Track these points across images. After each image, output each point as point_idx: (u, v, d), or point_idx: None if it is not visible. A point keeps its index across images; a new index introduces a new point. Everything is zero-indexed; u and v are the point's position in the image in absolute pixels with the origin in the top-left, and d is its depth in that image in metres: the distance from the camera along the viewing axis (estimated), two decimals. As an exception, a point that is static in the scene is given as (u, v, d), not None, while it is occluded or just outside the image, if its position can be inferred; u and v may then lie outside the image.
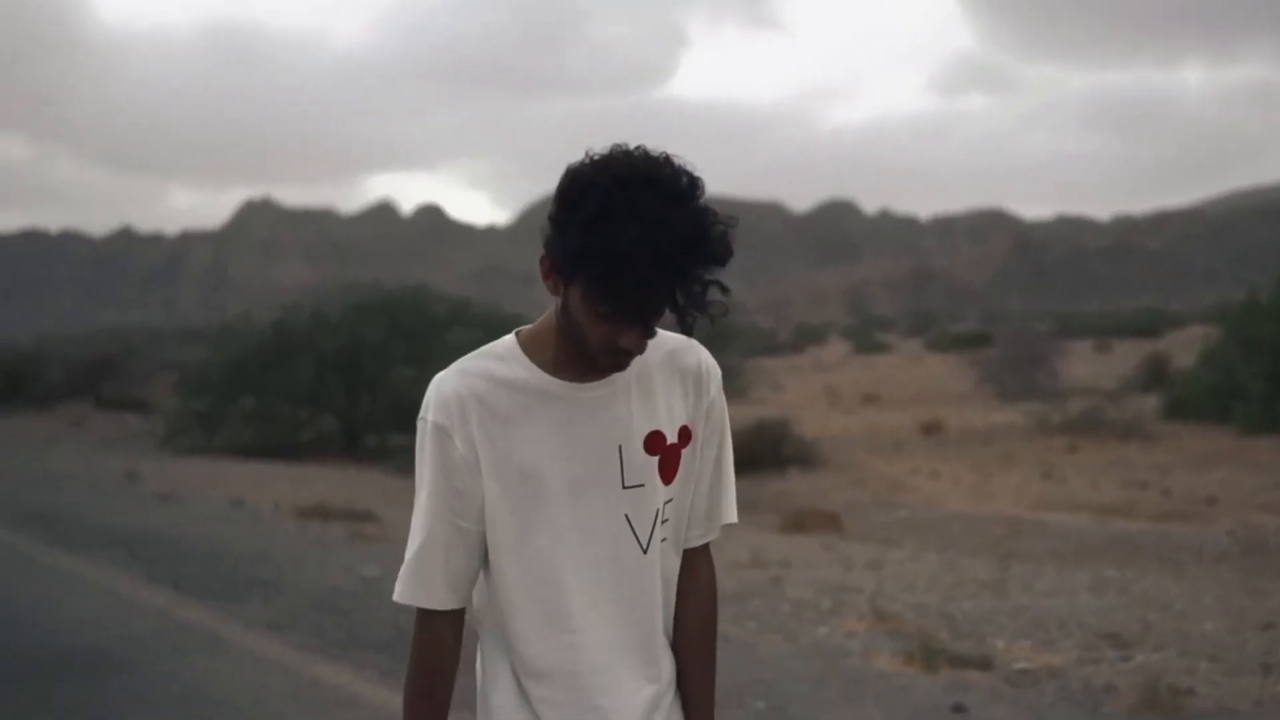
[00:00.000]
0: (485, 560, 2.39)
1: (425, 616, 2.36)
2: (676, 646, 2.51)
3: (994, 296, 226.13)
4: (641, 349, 2.24)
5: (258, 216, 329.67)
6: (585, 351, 2.25)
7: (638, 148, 2.16)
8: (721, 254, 2.13)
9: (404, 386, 25.69)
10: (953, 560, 11.62)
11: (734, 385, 19.09)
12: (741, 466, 12.07)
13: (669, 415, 2.39)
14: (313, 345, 28.43)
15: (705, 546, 2.54)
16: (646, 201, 2.08)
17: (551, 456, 2.32)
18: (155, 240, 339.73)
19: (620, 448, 2.34)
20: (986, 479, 20.69)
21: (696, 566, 2.52)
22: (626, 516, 2.36)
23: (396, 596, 2.35)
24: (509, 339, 2.38)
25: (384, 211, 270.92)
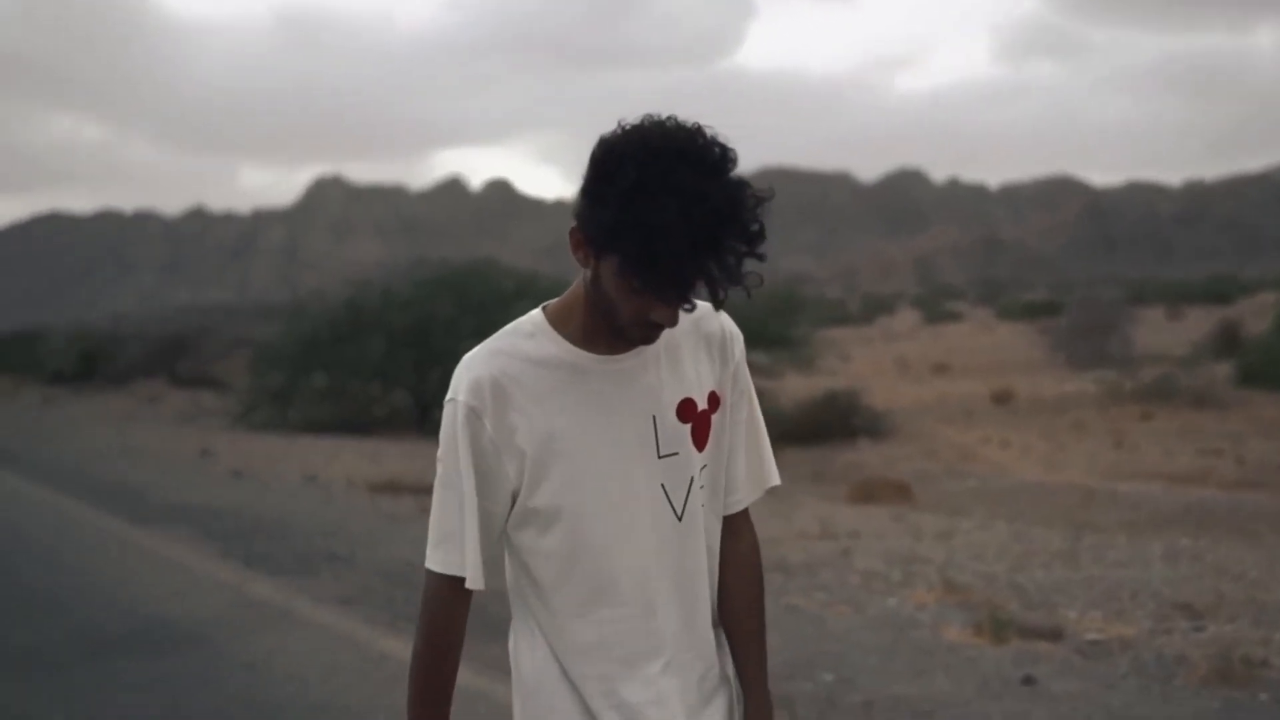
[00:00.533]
0: (510, 540, 2.38)
1: (447, 590, 2.33)
2: (723, 614, 2.51)
3: (1064, 264, 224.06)
4: (675, 322, 2.23)
5: (329, 194, 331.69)
6: (615, 324, 2.24)
7: (670, 118, 2.14)
8: (756, 227, 2.12)
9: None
10: (1023, 530, 11.53)
11: (802, 356, 19.11)
12: (810, 437, 12.16)
13: (698, 382, 2.40)
14: (383, 321, 28.57)
15: (745, 512, 2.54)
16: (682, 174, 2.06)
17: (587, 430, 2.30)
18: (228, 219, 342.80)
19: (654, 417, 2.34)
20: (1058, 448, 20.53)
21: (738, 531, 2.52)
22: (663, 486, 2.34)
23: (432, 563, 2.33)
24: (536, 314, 2.36)
25: (453, 187, 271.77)
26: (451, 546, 2.32)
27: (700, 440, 2.39)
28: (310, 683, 7.03)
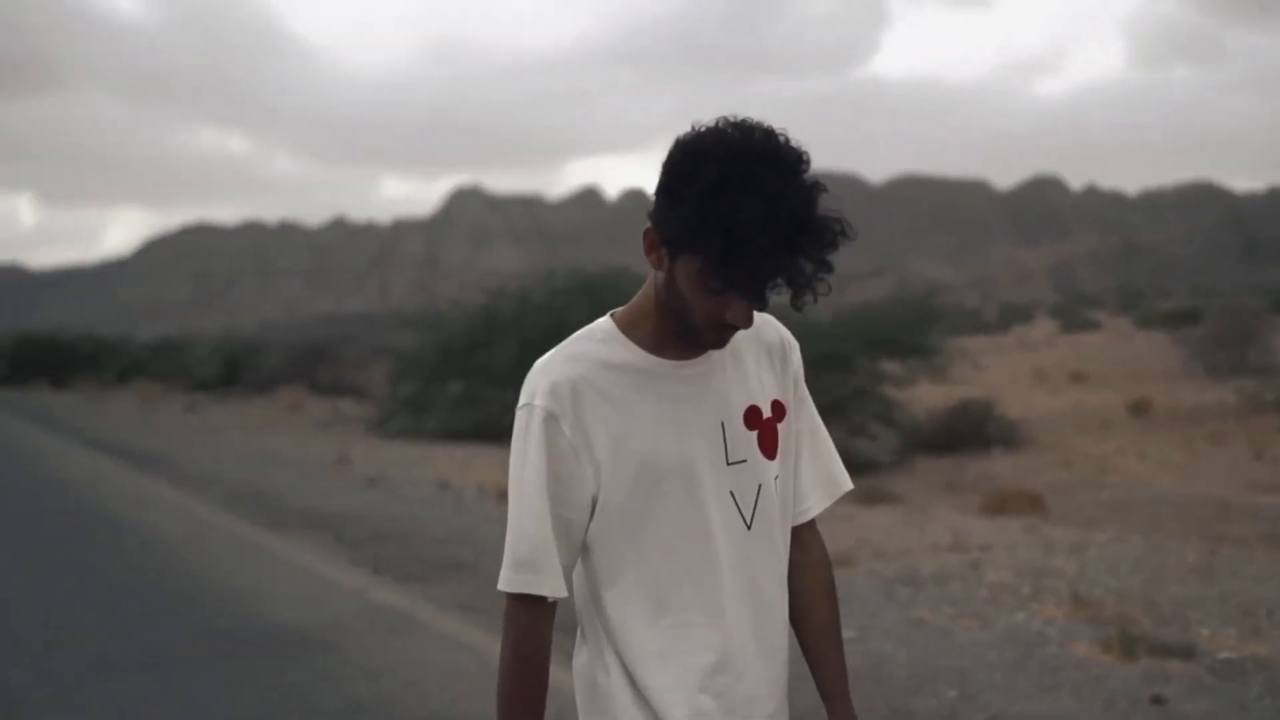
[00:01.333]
0: (585, 549, 2.35)
1: (531, 607, 2.30)
2: (800, 628, 2.50)
3: (1204, 271, 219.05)
4: (749, 323, 2.23)
5: (467, 204, 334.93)
6: (688, 327, 2.25)
7: (745, 119, 2.14)
8: (836, 228, 2.12)
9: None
10: (1159, 543, 11.25)
11: (934, 365, 18.89)
12: (944, 447, 11.99)
13: (762, 390, 2.40)
14: (518, 328, 28.76)
15: (813, 524, 2.53)
16: (763, 174, 2.06)
17: (661, 436, 2.30)
18: (369, 229, 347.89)
19: (722, 423, 2.34)
20: (1195, 459, 20.04)
21: (807, 544, 2.52)
22: (731, 493, 2.33)
23: (506, 585, 2.29)
24: (605, 322, 2.37)
25: (589, 196, 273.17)
26: (528, 565, 2.28)
27: (769, 448, 2.38)
28: (430, 690, 7.07)
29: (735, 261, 2.08)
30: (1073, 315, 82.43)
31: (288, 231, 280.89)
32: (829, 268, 2.13)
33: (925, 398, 19.69)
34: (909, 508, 13.67)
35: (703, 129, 2.14)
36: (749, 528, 2.35)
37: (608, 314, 2.39)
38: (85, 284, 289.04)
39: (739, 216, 2.05)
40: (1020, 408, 25.40)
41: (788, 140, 2.13)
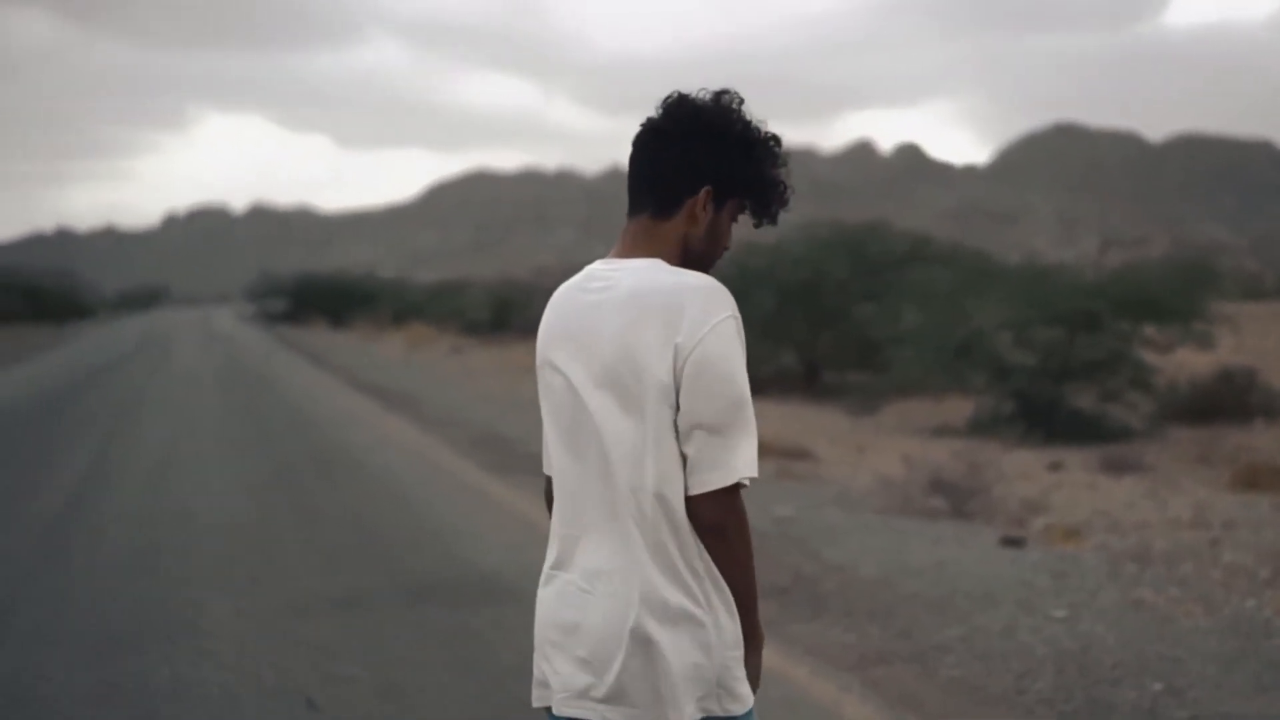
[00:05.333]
0: None
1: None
2: None
3: None
4: None
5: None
6: (712, 260, 2.82)
7: (723, 90, 2.79)
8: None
9: (865, 323, 25.29)
10: None
11: (1198, 332, 17.88)
12: (1201, 416, 11.10)
13: None
14: (773, 278, 28.37)
15: None
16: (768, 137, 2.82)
17: None
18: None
19: None
20: None
21: None
22: None
23: (753, 471, 2.65)
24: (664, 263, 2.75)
25: (863, 150, 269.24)
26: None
27: None
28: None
29: (772, 198, 2.82)
30: (1367, 281, 77.88)
31: (565, 180, 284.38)
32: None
33: (1187, 363, 18.71)
34: (1155, 479, 12.91)
35: (722, 103, 2.77)
36: None
37: (654, 260, 2.74)
38: (371, 227, 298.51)
39: (767, 165, 2.79)
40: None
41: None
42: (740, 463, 2.63)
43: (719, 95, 2.74)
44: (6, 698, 6.34)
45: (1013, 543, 9.31)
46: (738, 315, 2.63)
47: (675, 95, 2.75)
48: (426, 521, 10.77)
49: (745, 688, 2.71)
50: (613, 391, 2.66)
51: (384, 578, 8.62)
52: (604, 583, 2.69)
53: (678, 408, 2.62)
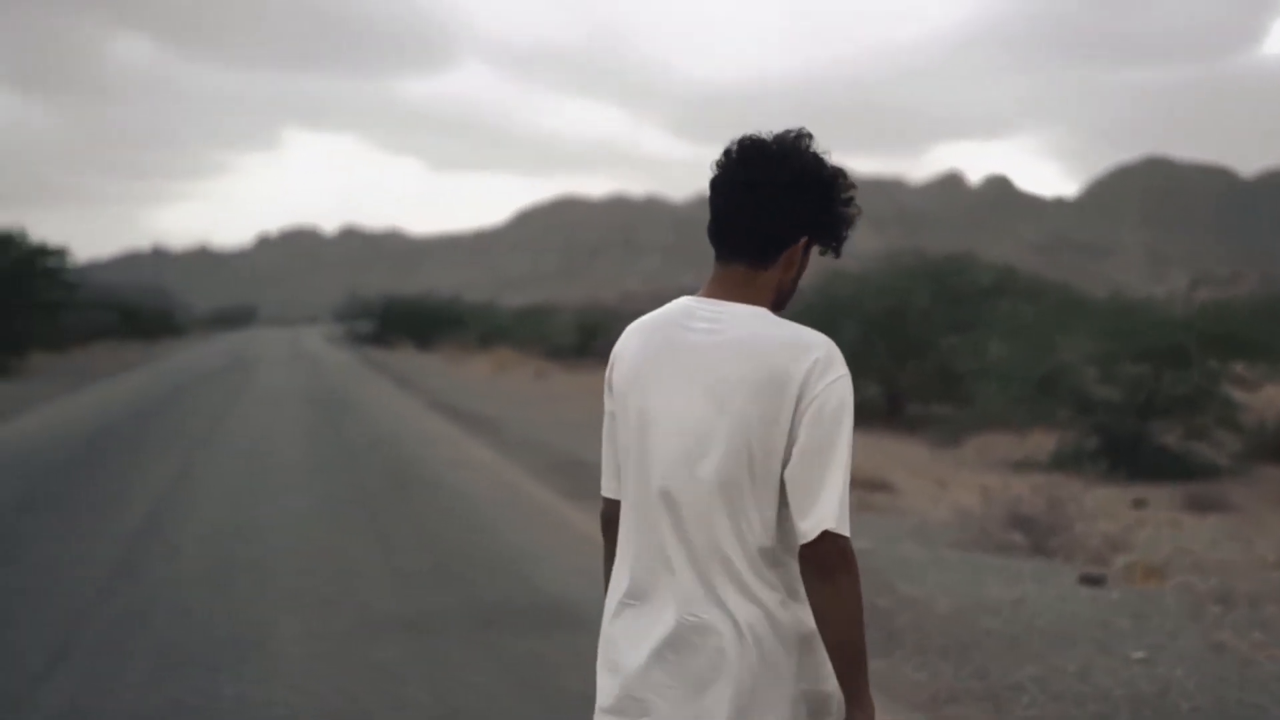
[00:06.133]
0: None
1: None
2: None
3: None
4: None
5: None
6: (791, 296, 2.84)
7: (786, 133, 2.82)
8: None
9: (949, 355, 25.11)
10: None
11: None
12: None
13: None
14: (859, 307, 28.22)
15: None
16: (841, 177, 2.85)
17: None
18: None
19: None
20: None
21: None
22: None
23: (847, 529, 2.62)
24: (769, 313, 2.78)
25: (951, 181, 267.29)
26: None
27: None
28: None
29: (843, 231, 2.84)
30: None
31: (652, 206, 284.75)
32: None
33: (1276, 400, 18.41)
34: (1240, 518, 12.69)
35: (808, 149, 2.79)
36: None
37: (757, 308, 2.75)
38: (460, 251, 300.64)
39: (844, 205, 2.82)
40: None
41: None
42: (838, 511, 2.63)
43: (800, 138, 2.77)
44: (73, 713, 6.38)
45: (1092, 581, 9.15)
46: (849, 375, 2.65)
47: (759, 143, 2.76)
48: (501, 545, 10.76)
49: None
50: (712, 435, 2.67)
51: (455, 601, 8.61)
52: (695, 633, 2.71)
53: (785, 459, 2.64)
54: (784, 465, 2.63)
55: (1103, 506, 13.06)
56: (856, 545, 2.43)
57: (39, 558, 10.18)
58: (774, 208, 2.72)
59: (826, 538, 2.58)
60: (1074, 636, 7.58)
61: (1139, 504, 13.59)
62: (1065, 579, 9.28)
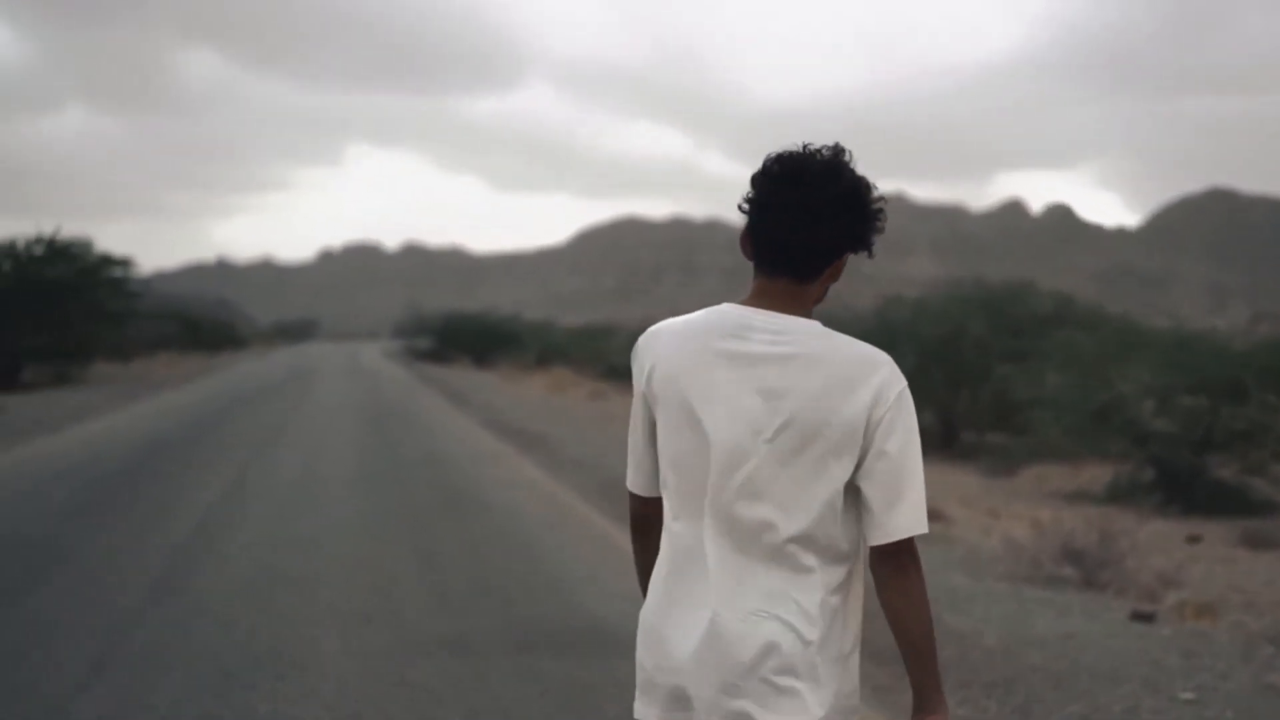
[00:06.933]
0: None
1: None
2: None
3: None
4: None
5: (890, 211, 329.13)
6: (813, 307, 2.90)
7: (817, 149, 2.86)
8: None
9: (1005, 383, 24.88)
10: None
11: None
12: None
13: None
14: (914, 334, 28.04)
15: None
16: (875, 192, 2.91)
17: None
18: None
19: None
20: None
21: None
22: None
23: (924, 528, 2.77)
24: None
25: (1013, 209, 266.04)
26: None
27: None
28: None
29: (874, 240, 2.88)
30: None
31: (713, 229, 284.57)
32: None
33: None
34: (1290, 552, 12.50)
35: (853, 172, 2.83)
36: None
37: (814, 322, 2.83)
38: (520, 269, 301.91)
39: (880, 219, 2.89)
40: None
41: None
42: (921, 515, 2.80)
43: (840, 153, 2.84)
44: (110, 724, 6.39)
45: (1143, 617, 9.01)
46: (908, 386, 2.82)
47: (805, 162, 2.80)
48: (546, 567, 10.72)
49: None
50: (775, 441, 2.75)
51: (497, 621, 8.58)
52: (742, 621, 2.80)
53: (855, 465, 2.76)
54: (855, 470, 2.75)
55: (1156, 541, 12.89)
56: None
57: (87, 565, 10.24)
58: (829, 229, 2.79)
59: (908, 539, 2.75)
60: (1122, 675, 7.46)
61: (1193, 539, 13.40)
62: (1115, 615, 9.15)
